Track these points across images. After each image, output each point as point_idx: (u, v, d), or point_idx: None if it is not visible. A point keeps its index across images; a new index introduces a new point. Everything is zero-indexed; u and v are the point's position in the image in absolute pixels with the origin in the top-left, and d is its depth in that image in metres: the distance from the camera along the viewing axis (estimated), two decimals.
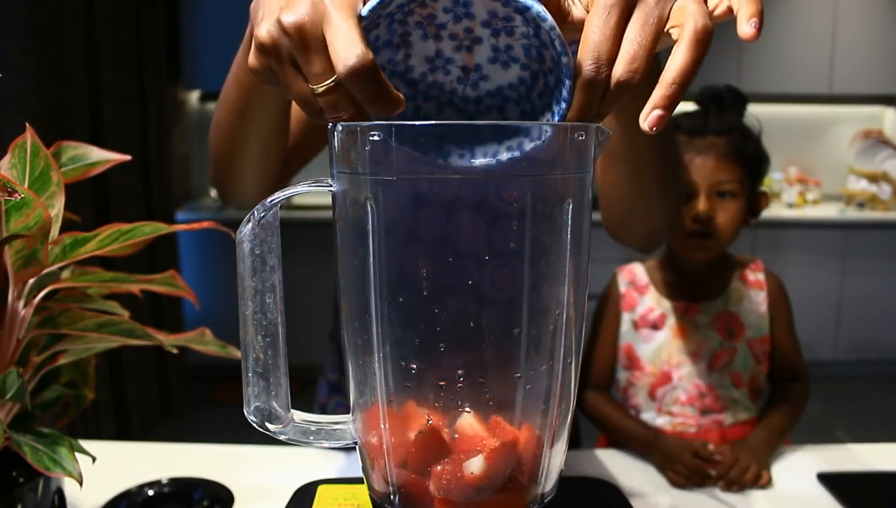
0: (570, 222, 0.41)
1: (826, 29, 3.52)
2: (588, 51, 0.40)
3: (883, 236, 3.41)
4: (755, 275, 1.17)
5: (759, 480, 0.87)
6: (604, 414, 1.09)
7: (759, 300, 1.15)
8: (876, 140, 3.68)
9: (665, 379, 1.13)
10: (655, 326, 1.14)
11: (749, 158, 1.10)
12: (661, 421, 1.13)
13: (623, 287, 1.18)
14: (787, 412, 1.05)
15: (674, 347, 1.13)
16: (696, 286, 1.15)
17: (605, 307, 1.18)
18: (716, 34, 0.41)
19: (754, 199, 1.14)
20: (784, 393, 1.11)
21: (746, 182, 1.10)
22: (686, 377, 1.12)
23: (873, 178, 3.60)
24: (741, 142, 1.09)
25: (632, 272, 1.19)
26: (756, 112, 1.17)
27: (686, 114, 1.15)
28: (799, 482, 0.88)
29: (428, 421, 0.42)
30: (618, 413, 1.08)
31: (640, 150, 0.69)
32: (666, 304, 1.15)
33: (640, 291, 1.17)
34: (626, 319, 1.16)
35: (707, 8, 0.42)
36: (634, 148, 0.68)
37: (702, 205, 1.06)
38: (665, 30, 0.42)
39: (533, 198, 0.39)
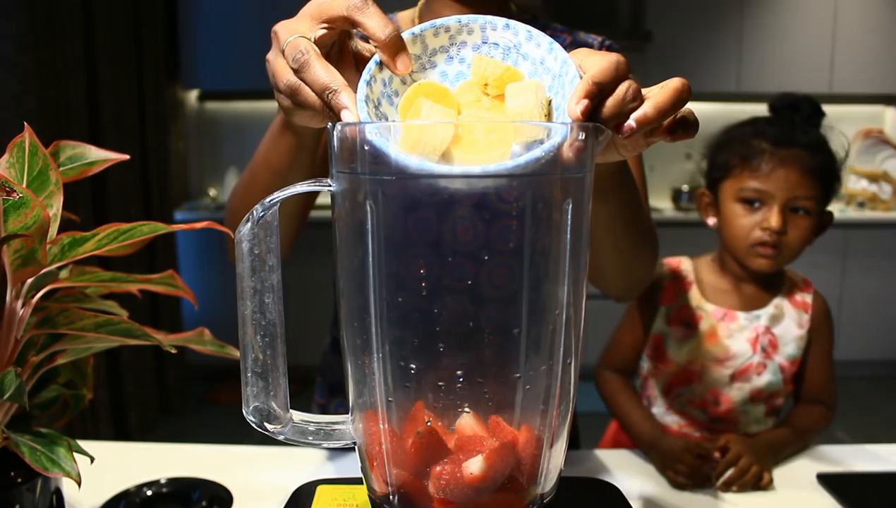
0: (569, 222, 0.41)
1: (826, 28, 3.52)
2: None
3: (883, 236, 3.41)
4: (802, 296, 1.13)
5: (761, 481, 0.87)
6: (617, 400, 1.08)
7: (801, 322, 1.11)
8: (876, 139, 3.68)
9: (685, 378, 1.11)
10: (690, 325, 1.11)
11: (828, 177, 1.06)
12: (670, 419, 1.12)
13: (666, 279, 1.14)
14: (801, 429, 1.01)
15: (702, 350, 1.10)
16: (741, 295, 1.12)
17: (645, 294, 1.14)
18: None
19: (821, 217, 1.09)
20: (806, 412, 1.07)
21: (820, 201, 1.06)
22: (706, 381, 1.10)
23: (874, 178, 3.60)
24: (826, 160, 1.05)
25: (678, 266, 1.15)
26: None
27: (769, 122, 1.10)
28: (799, 482, 0.88)
29: (427, 421, 0.41)
30: (630, 402, 1.06)
31: (614, 214, 0.71)
32: (705, 307, 1.12)
33: (683, 288, 1.13)
34: (662, 311, 1.13)
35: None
36: (609, 211, 0.70)
37: (775, 218, 1.02)
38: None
39: (533, 198, 0.39)
